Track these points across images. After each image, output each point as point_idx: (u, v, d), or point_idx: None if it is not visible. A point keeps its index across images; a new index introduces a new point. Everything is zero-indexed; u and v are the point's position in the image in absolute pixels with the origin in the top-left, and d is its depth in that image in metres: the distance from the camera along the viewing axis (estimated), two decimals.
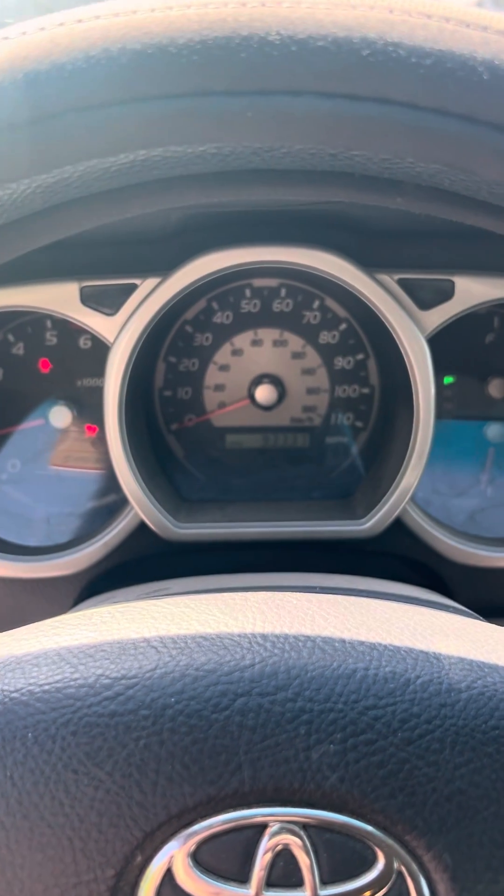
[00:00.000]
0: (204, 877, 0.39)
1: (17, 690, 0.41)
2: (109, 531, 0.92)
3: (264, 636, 0.43)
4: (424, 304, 0.88)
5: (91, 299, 0.88)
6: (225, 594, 0.49)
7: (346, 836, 0.40)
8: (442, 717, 0.40)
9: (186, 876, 0.39)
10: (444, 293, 0.88)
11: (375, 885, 0.39)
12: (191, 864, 0.39)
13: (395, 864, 0.39)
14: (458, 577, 0.95)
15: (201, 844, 0.39)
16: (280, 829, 0.39)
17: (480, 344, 0.97)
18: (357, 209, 0.85)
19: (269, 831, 0.39)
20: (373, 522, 0.90)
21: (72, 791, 0.39)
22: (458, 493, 0.99)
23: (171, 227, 0.88)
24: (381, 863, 0.39)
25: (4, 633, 0.47)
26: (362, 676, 0.41)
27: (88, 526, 0.98)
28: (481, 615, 0.69)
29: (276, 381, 0.98)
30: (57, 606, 0.96)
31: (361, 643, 0.43)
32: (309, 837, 0.40)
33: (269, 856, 0.39)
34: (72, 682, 0.41)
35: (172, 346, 0.98)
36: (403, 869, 0.39)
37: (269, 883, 0.39)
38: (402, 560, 0.95)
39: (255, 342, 0.99)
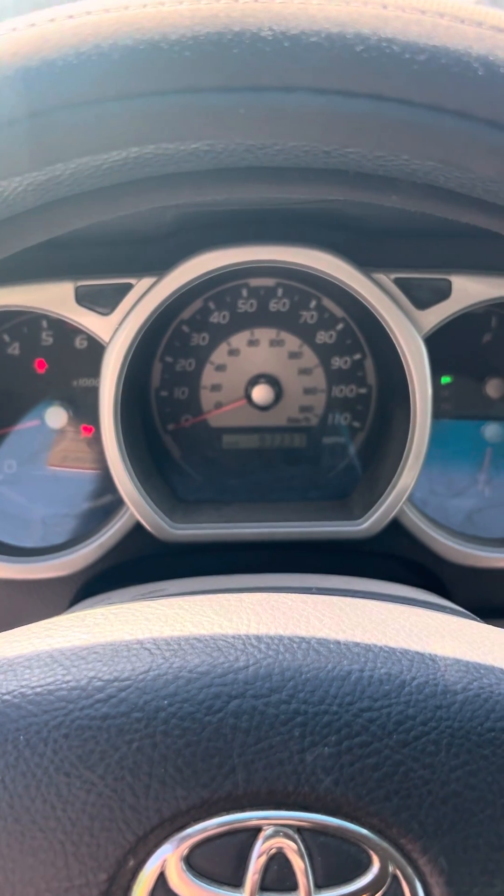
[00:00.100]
0: (197, 881, 0.39)
1: (8, 693, 0.40)
2: (105, 532, 0.92)
3: (258, 638, 0.43)
4: (421, 304, 0.88)
5: (86, 299, 0.88)
6: (219, 595, 0.49)
7: (341, 839, 0.39)
8: (438, 720, 0.40)
9: (179, 880, 0.39)
10: (441, 292, 0.88)
11: (370, 888, 0.39)
12: (184, 868, 0.39)
13: (391, 868, 0.39)
14: (455, 578, 0.94)
15: (194, 848, 0.39)
16: (274, 832, 0.39)
17: (478, 343, 0.97)
18: (353, 208, 0.85)
19: (263, 835, 0.39)
20: (370, 523, 0.90)
21: (64, 794, 0.39)
22: (456, 494, 0.99)
23: (167, 226, 0.88)
24: (376, 866, 0.39)
25: None
26: (357, 678, 0.41)
27: (84, 527, 0.98)
28: (478, 616, 0.69)
29: (272, 381, 0.98)
30: (53, 607, 0.95)
31: (356, 644, 0.43)
32: (303, 841, 0.39)
33: (263, 859, 0.39)
34: (64, 685, 0.40)
35: (169, 346, 0.98)
36: (398, 872, 0.39)
37: (264, 887, 0.39)
38: (399, 561, 0.95)
39: (252, 342, 0.98)
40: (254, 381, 0.98)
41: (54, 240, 0.44)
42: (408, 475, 0.88)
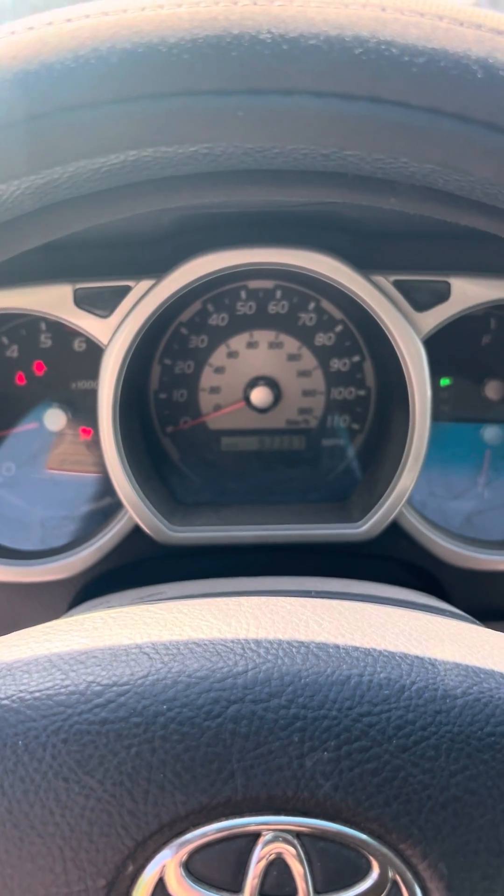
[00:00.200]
0: (196, 886, 0.39)
1: (7, 697, 0.40)
2: (104, 535, 0.92)
3: (257, 642, 0.43)
4: (420, 306, 0.87)
5: (85, 301, 0.88)
6: (218, 599, 0.49)
7: (341, 844, 0.39)
8: (437, 724, 0.40)
9: (179, 885, 0.39)
10: (440, 295, 0.88)
11: (370, 894, 0.39)
12: (183, 873, 0.39)
13: (390, 873, 0.39)
14: (454, 581, 0.94)
15: (193, 854, 0.39)
16: (273, 837, 0.39)
17: (477, 346, 0.97)
18: (352, 210, 0.85)
19: (262, 840, 0.39)
20: (369, 525, 0.89)
21: (62, 800, 0.39)
22: (455, 496, 0.99)
23: (165, 228, 0.88)
24: (375, 872, 0.39)
25: None
26: (357, 683, 0.41)
27: (83, 530, 0.98)
28: (478, 618, 0.69)
29: (271, 384, 0.98)
30: (51, 611, 0.95)
31: (356, 649, 0.42)
32: (303, 846, 0.39)
33: (262, 865, 0.39)
34: (62, 689, 0.40)
35: (167, 349, 0.98)
36: (398, 878, 0.39)
37: (263, 892, 0.39)
38: (398, 563, 0.94)
39: (251, 344, 0.98)
40: (253, 384, 0.98)
41: (52, 242, 0.44)
42: (407, 477, 0.88)
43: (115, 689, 0.40)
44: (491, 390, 0.97)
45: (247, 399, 0.98)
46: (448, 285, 0.88)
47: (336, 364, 0.99)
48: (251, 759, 0.39)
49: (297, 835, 0.39)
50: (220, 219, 0.88)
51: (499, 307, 0.94)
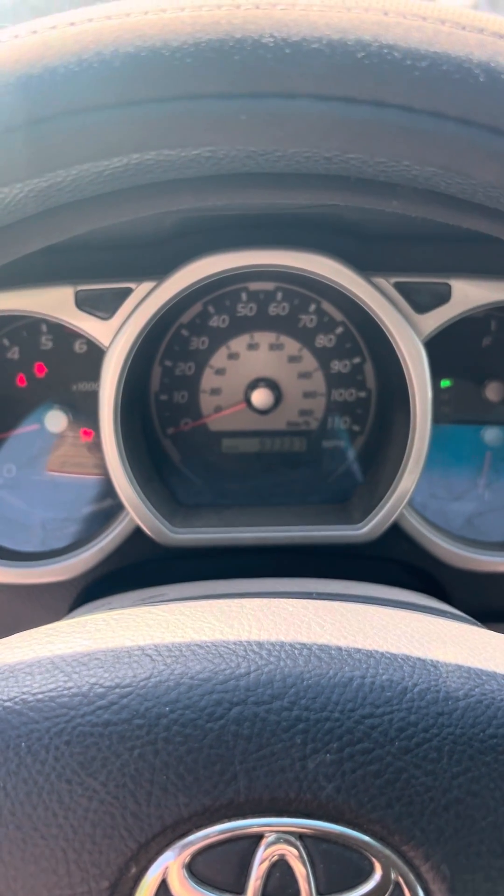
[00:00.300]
0: (199, 888, 0.39)
1: (10, 699, 0.40)
2: (105, 536, 0.92)
3: (260, 644, 0.43)
4: (421, 308, 0.88)
5: (86, 303, 0.88)
6: (220, 601, 0.49)
7: (343, 846, 0.39)
8: (439, 726, 0.40)
9: (181, 887, 0.39)
10: (441, 296, 0.88)
11: (373, 895, 0.39)
12: (186, 875, 0.39)
13: (393, 875, 0.39)
14: (455, 582, 0.94)
15: (196, 855, 0.39)
16: (276, 839, 0.39)
17: (477, 347, 0.97)
18: (353, 212, 0.85)
19: (264, 842, 0.39)
20: (370, 527, 0.89)
21: (65, 801, 0.39)
22: (456, 497, 0.99)
23: (167, 230, 0.88)
24: (378, 873, 0.39)
25: None
26: (359, 685, 0.41)
27: (84, 531, 0.98)
28: (479, 620, 0.69)
29: (272, 385, 0.98)
30: (52, 612, 0.95)
31: (358, 651, 0.43)
32: (305, 848, 0.39)
33: (265, 866, 0.39)
34: (65, 691, 0.40)
35: (168, 350, 0.98)
36: (401, 879, 0.39)
37: (265, 894, 0.39)
38: (399, 565, 0.95)
39: (252, 346, 0.98)
40: (253, 385, 0.98)
41: (54, 244, 0.44)
42: (408, 479, 0.88)
43: (117, 690, 0.40)
44: (491, 392, 0.97)
45: (247, 401, 0.98)
46: (449, 287, 0.88)
47: (337, 366, 0.99)
48: (254, 760, 0.39)
49: (300, 836, 0.39)
50: (222, 221, 0.88)
51: (499, 309, 0.95)
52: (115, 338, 0.86)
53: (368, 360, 0.99)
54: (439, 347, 0.90)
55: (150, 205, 0.43)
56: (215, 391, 0.99)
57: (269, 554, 0.92)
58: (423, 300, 0.88)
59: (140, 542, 0.91)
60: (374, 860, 0.39)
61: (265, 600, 0.49)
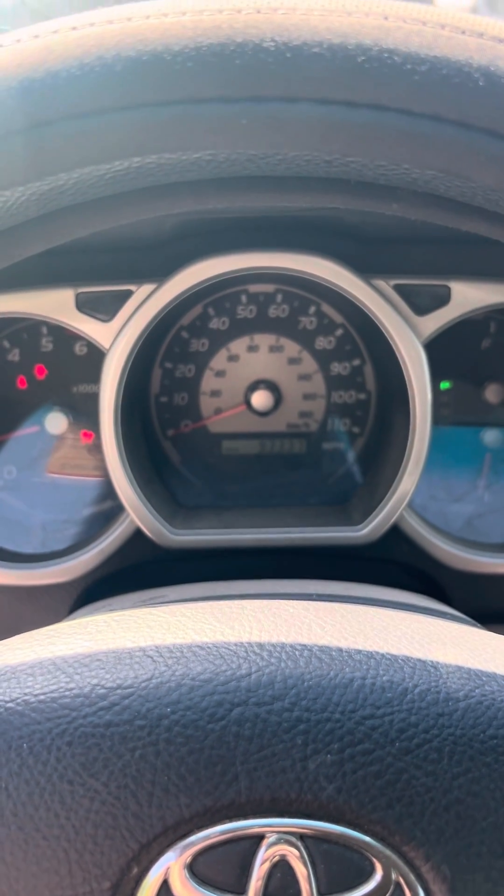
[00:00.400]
0: (200, 888, 0.39)
1: (12, 700, 0.40)
2: (105, 538, 0.92)
3: (261, 645, 0.43)
4: (421, 310, 0.88)
5: (86, 305, 0.88)
6: (221, 602, 0.49)
7: (344, 846, 0.39)
8: (440, 727, 0.40)
9: (183, 888, 0.39)
10: (441, 299, 0.88)
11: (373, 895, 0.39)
12: (187, 875, 0.39)
13: (393, 875, 0.39)
14: (455, 584, 0.94)
15: (198, 856, 0.39)
16: (277, 839, 0.39)
17: (477, 349, 0.97)
18: (352, 215, 0.85)
19: (266, 842, 0.39)
20: (370, 528, 0.90)
21: (67, 802, 0.39)
22: (456, 499, 0.99)
23: (167, 233, 0.88)
24: (378, 874, 0.39)
25: None
26: (360, 686, 0.41)
27: (84, 533, 0.98)
28: (479, 621, 0.69)
29: (272, 387, 0.98)
30: (53, 614, 0.95)
31: (358, 652, 0.43)
32: (306, 848, 0.39)
33: (266, 867, 0.39)
34: (67, 692, 0.41)
35: (168, 352, 0.98)
36: (401, 880, 0.39)
37: (267, 894, 0.39)
38: (399, 566, 0.95)
39: (252, 348, 0.99)
40: (253, 387, 0.98)
41: (54, 247, 0.45)
42: (407, 481, 0.88)
43: (119, 692, 0.40)
44: (491, 394, 0.97)
45: (247, 402, 0.98)
46: (448, 289, 0.88)
47: (336, 368, 0.99)
48: (255, 761, 0.39)
49: (301, 837, 0.39)
50: (222, 223, 0.88)
51: (499, 311, 0.95)
52: (116, 340, 0.86)
53: (368, 362, 0.99)
54: (439, 349, 0.90)
55: (151, 208, 0.43)
56: (215, 393, 0.99)
57: (269, 555, 0.92)
58: (422, 302, 0.88)
59: (140, 544, 0.91)
60: (374, 860, 0.39)
61: (266, 601, 0.49)
